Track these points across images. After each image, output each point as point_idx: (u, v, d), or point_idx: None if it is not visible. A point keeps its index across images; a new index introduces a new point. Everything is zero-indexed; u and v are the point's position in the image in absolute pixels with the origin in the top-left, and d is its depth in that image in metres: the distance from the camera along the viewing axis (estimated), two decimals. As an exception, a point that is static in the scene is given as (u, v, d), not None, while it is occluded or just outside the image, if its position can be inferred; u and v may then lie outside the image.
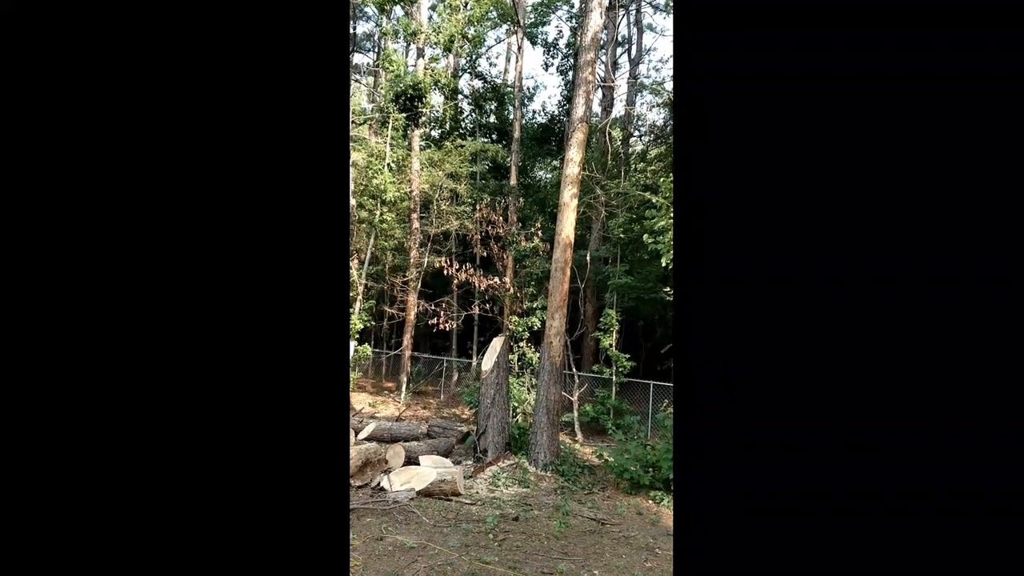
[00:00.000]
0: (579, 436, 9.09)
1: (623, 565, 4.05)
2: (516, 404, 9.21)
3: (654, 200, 6.95)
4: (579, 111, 6.51)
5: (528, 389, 9.10)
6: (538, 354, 8.17)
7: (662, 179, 6.98)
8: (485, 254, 11.09)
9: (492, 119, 17.45)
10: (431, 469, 5.59)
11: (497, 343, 6.86)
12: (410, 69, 13.93)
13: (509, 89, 16.81)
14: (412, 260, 12.57)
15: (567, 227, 6.60)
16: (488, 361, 6.73)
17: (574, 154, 6.54)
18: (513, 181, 13.58)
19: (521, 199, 12.87)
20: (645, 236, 7.03)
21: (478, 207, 10.73)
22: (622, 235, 9.88)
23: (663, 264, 6.49)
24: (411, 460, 6.16)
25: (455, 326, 11.82)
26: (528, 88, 22.10)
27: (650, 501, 5.82)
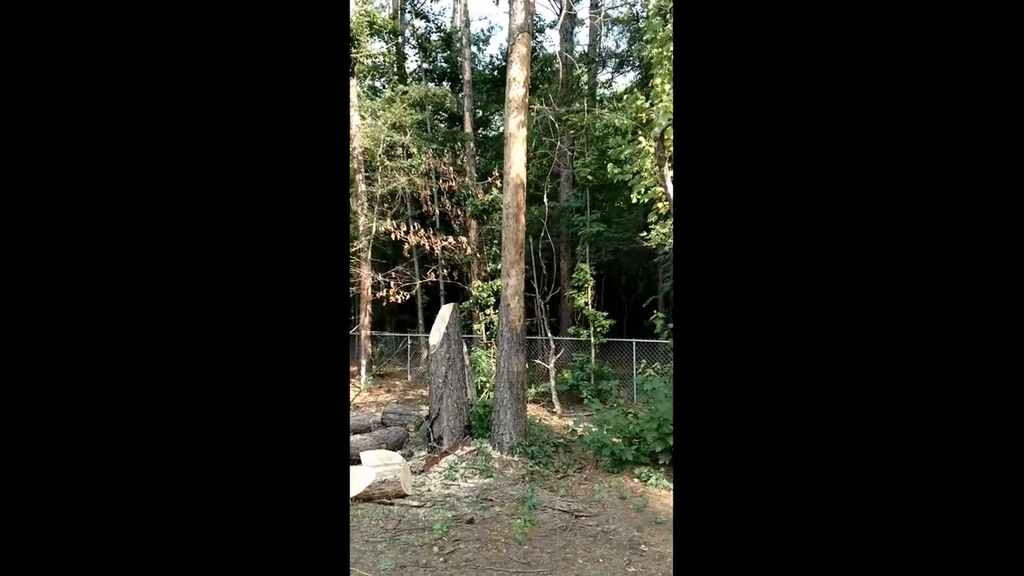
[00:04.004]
0: (557, 408, 8.38)
1: (598, 574, 3.31)
2: (484, 379, 8.46)
3: (618, 124, 6.00)
4: (518, 18, 5.48)
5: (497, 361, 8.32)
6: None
7: (626, 96, 6.02)
8: (438, 211, 10.08)
9: (442, 64, 16.13)
10: (370, 469, 4.78)
11: (446, 311, 6.00)
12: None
13: (456, 29, 15.48)
14: (361, 227, 11.51)
15: (517, 163, 5.66)
16: (436, 333, 5.87)
17: (516, 72, 5.55)
18: (468, 128, 12.49)
19: (473, 145, 11.76)
20: (610, 166, 6.11)
21: (424, 158, 9.67)
22: (590, 177, 8.95)
23: (633, 199, 5.62)
24: (354, 459, 5.37)
25: (409, 297, 10.85)
26: (483, 31, 20.66)
27: (635, 480, 5.12)
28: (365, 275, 11.28)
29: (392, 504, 4.57)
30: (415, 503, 4.59)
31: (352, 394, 9.84)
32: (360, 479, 4.72)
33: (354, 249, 11.55)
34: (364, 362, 11.43)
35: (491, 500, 4.64)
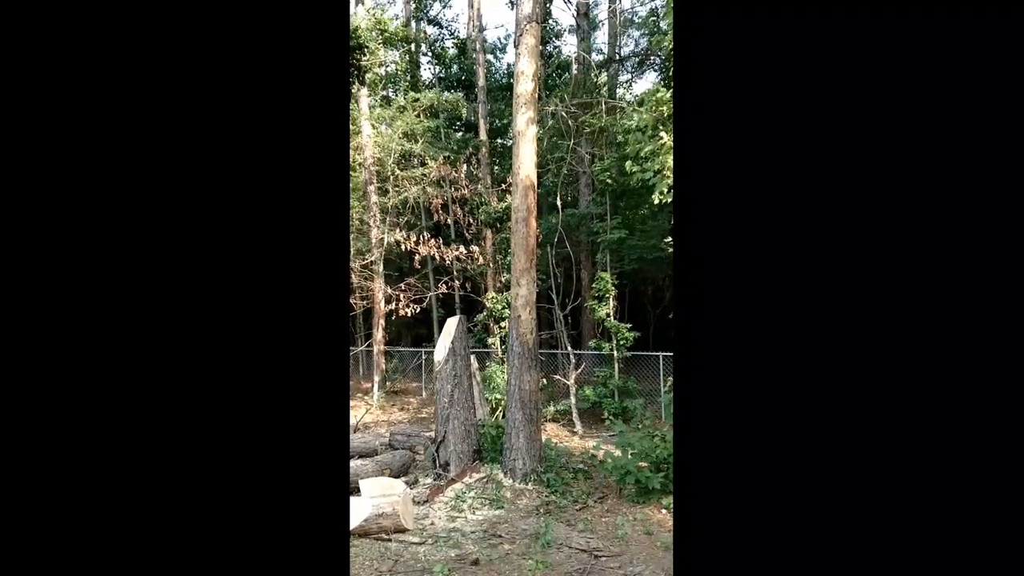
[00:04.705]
0: (578, 427, 7.86)
1: (620, 634, 2.83)
2: (500, 396, 8.01)
3: (636, 119, 5.56)
4: (526, 6, 5.12)
5: (508, 379, 7.86)
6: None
7: (645, 93, 5.59)
8: (451, 221, 9.74)
9: (456, 71, 15.94)
10: (367, 500, 4.37)
11: (451, 324, 5.59)
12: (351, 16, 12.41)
13: (470, 36, 15.29)
14: (373, 240, 11.24)
15: (526, 163, 5.27)
16: (441, 349, 5.47)
17: (525, 65, 5.18)
18: (483, 136, 12.19)
19: (487, 151, 11.41)
20: (628, 164, 5.68)
21: (435, 166, 9.36)
22: (610, 181, 8.50)
23: (655, 200, 5.17)
24: (353, 487, 4.97)
25: (422, 310, 10.48)
26: (499, 39, 20.51)
27: (663, 511, 4.60)
28: (378, 289, 10.97)
29: (390, 540, 4.15)
30: (416, 539, 4.16)
31: (363, 412, 9.48)
32: (355, 512, 4.31)
33: (366, 262, 11.28)
34: (377, 379, 11.09)
35: (500, 536, 4.18)
